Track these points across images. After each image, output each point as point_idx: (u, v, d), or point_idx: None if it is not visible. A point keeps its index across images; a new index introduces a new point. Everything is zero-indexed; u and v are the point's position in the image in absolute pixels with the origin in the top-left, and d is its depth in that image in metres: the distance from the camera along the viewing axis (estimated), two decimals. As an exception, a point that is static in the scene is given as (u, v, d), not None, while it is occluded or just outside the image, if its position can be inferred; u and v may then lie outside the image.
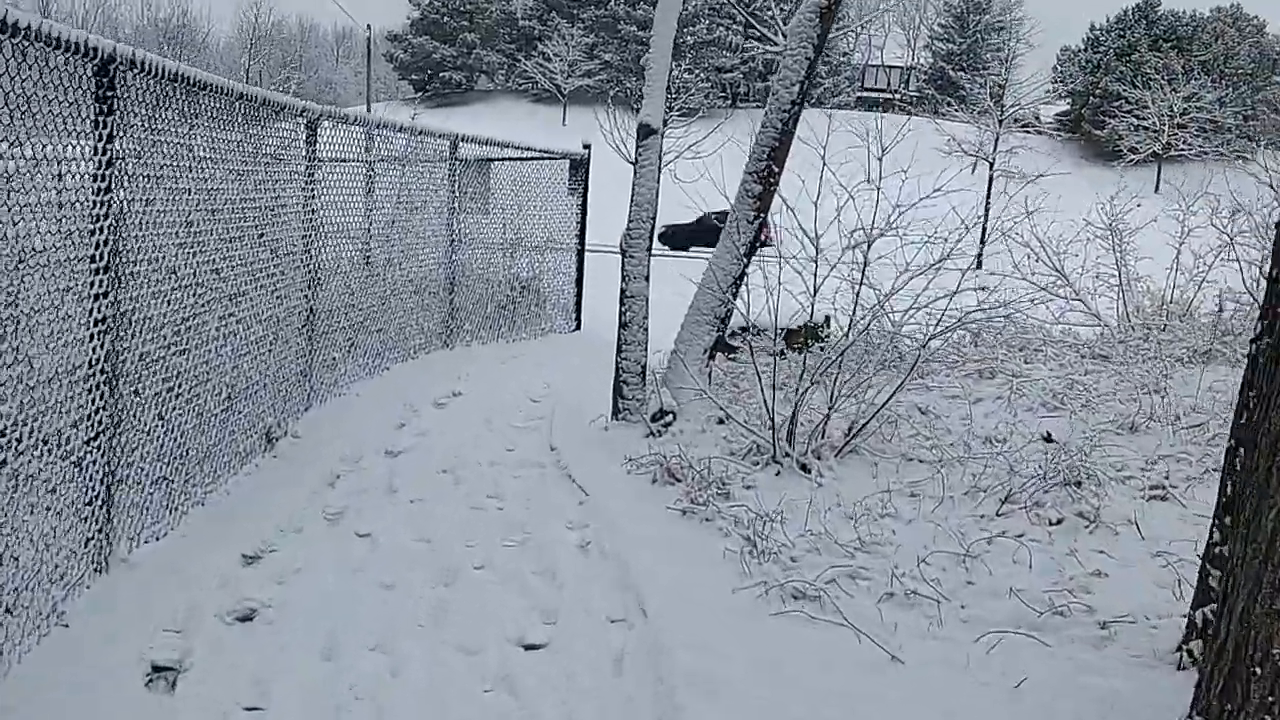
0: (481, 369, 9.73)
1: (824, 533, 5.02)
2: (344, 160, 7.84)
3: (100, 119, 4.02)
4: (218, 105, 5.30)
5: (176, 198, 4.77)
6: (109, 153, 4.06)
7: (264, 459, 6.22)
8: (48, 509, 3.90)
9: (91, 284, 4.02)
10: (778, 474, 6.05)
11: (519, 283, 11.72)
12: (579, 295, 12.94)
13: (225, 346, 5.46)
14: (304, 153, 6.86)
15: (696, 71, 40.43)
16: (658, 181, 7.40)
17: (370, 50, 54.61)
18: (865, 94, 68.83)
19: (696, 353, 7.37)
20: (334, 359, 7.67)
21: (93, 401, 4.04)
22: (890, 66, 79.19)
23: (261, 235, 5.98)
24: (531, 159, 11.90)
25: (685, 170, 27.22)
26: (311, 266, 7.07)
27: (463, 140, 10.14)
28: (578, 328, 12.93)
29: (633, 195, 7.41)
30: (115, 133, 4.09)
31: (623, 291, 7.39)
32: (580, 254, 12.92)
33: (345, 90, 71.54)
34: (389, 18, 73.72)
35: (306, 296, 7.03)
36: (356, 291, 8.12)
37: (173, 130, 4.69)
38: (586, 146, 12.95)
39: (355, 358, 8.13)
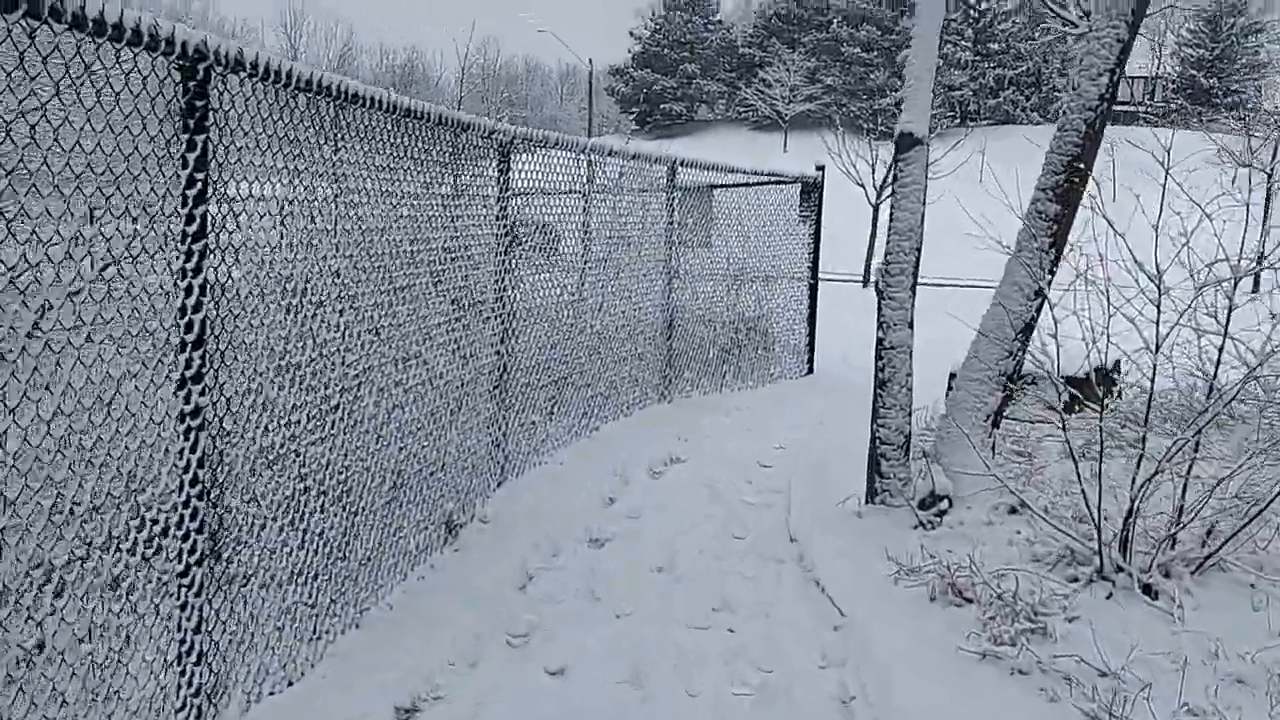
0: (704, 426, 8.44)
1: (1217, 716, 3.38)
2: (548, 191, 6.77)
3: (190, 137, 2.96)
4: (380, 126, 4.24)
5: (313, 241, 3.71)
6: (197, 184, 3.00)
7: (443, 554, 5.12)
8: (120, 664, 2.85)
9: (178, 363, 2.97)
10: (1109, 596, 4.40)
11: (744, 322, 10.39)
12: (811, 334, 11.49)
13: (389, 425, 4.38)
14: (495, 182, 5.78)
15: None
16: (923, 203, 5.90)
17: (592, 85, 55.10)
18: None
19: (976, 419, 5.78)
20: (533, 423, 6.56)
21: (182, 522, 2.97)
22: (1133, 77, 73.46)
23: (438, 283, 4.90)
24: (759, 184, 10.58)
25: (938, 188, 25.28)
26: (505, 315, 5.98)
27: (682, 165, 8.93)
28: (810, 370, 11.47)
29: (891, 221, 5.94)
30: (209, 156, 3.03)
31: (880, 343, 5.91)
32: (813, 288, 11.47)
33: (569, 126, 72.80)
34: (612, 53, 74.71)
35: (499, 352, 5.95)
36: (561, 342, 7.00)
37: (305, 155, 3.63)
38: (820, 168, 11.52)
39: (559, 419, 7.00)
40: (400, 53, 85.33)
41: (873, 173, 23.23)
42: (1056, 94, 68.19)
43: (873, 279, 5.99)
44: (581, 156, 7.14)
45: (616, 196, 8.00)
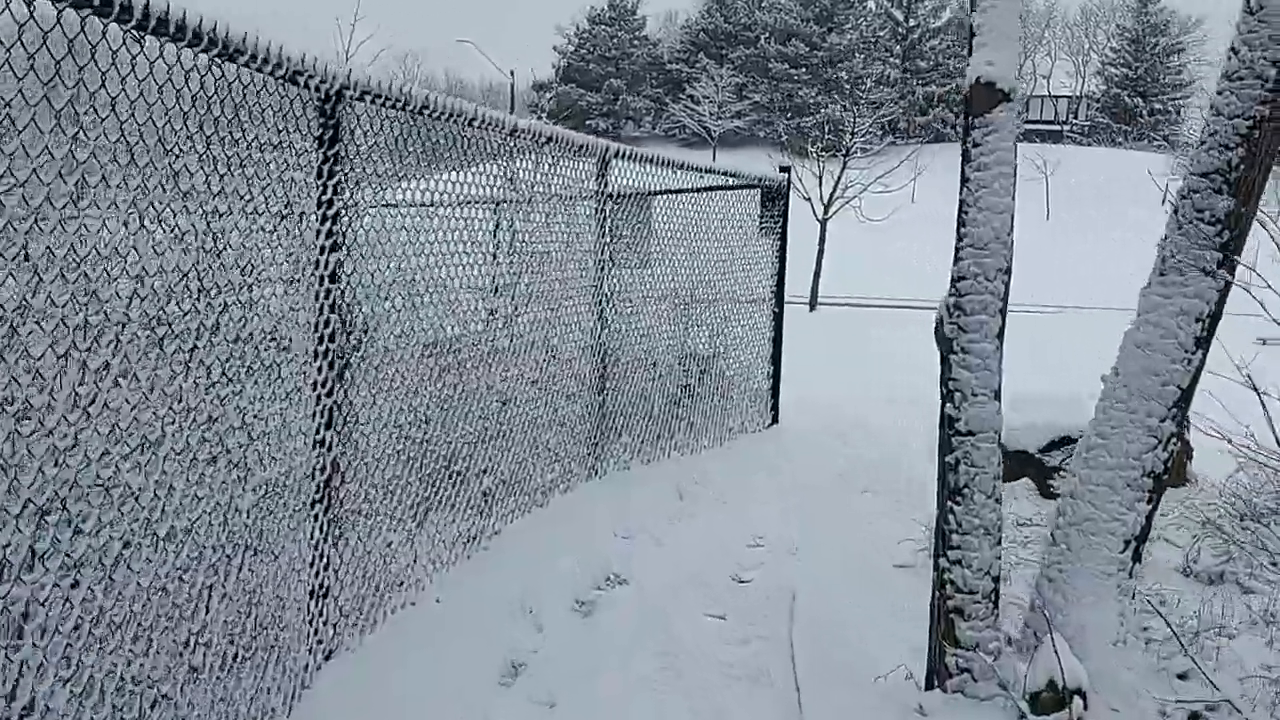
0: (650, 515, 6.08)
1: None
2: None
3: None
4: None
5: None
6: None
7: None
8: None
9: None
10: None
11: (696, 363, 8.08)
12: (776, 375, 9.24)
13: None
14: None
15: (859, 107, 36.50)
16: (1013, 195, 3.64)
17: (514, 99, 52.67)
18: (1031, 125, 63.74)
19: (1108, 551, 3.53)
20: (388, 545, 4.14)
21: None
22: (1057, 96, 73.31)
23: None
24: (711, 189, 8.30)
25: (875, 205, 23.30)
26: (335, 379, 3.58)
27: (618, 157, 6.59)
28: (774, 420, 9.21)
29: (961, 229, 3.65)
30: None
31: (949, 423, 3.60)
32: (778, 317, 9.24)
33: (491, 143, 70.19)
34: (536, 68, 72.33)
35: (322, 442, 3.54)
36: (440, 413, 4.60)
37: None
38: (785, 169, 9.31)
39: (434, 530, 4.59)
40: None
41: (819, 185, 21.23)
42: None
43: (934, 318, 3.70)
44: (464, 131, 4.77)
45: (525, 200, 5.66)
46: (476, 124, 4.63)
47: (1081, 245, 40.24)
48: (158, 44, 2.55)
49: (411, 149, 4.16)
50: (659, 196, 7.61)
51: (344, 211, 3.52)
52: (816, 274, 21.79)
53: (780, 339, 9.28)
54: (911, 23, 68.01)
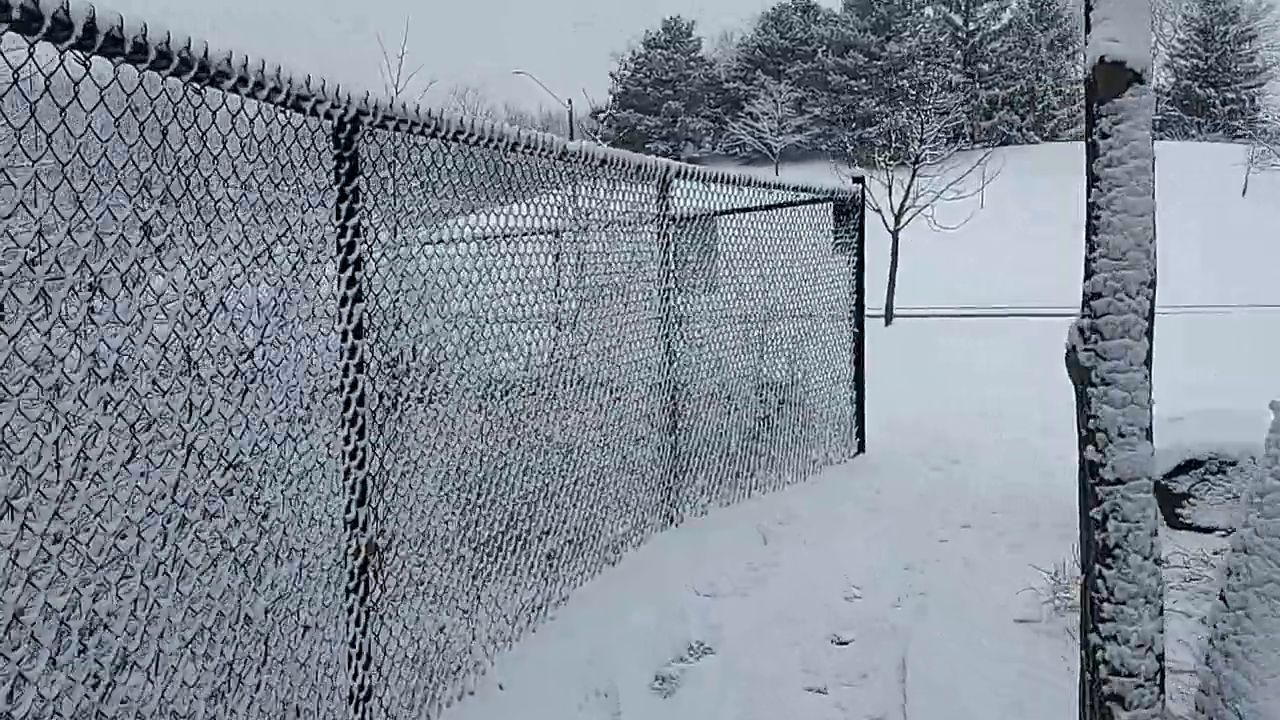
0: (732, 566, 5.54)
1: None
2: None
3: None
4: None
5: None
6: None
7: None
8: None
9: None
10: None
11: (773, 392, 7.54)
12: (859, 399, 8.64)
13: None
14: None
15: (925, 114, 35.61)
16: (1153, 193, 3.05)
17: (573, 127, 52.63)
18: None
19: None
20: (440, 630, 3.66)
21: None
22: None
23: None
24: (780, 205, 7.76)
25: (945, 213, 22.48)
26: (373, 437, 3.12)
27: (679, 177, 6.09)
28: (860, 449, 8.60)
29: (1092, 236, 3.06)
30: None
31: (1091, 470, 3.00)
32: (858, 338, 8.65)
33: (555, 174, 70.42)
34: (594, 95, 72.30)
35: (354, 523, 3.07)
36: (496, 470, 4.12)
37: None
38: (858, 179, 8.74)
39: (490, 605, 4.10)
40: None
41: (889, 195, 20.51)
42: (1053, 110, 66.03)
43: (1065, 345, 3.11)
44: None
45: (581, 229, 5.20)
46: (521, 148, 4.17)
47: (1162, 245, 38.72)
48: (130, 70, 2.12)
49: (448, 180, 3.71)
50: (724, 217, 7.10)
51: (367, 256, 3.06)
52: (891, 287, 21.06)
53: (862, 360, 8.69)
54: (971, 26, 66.81)
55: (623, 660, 4.26)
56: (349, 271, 2.99)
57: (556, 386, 4.77)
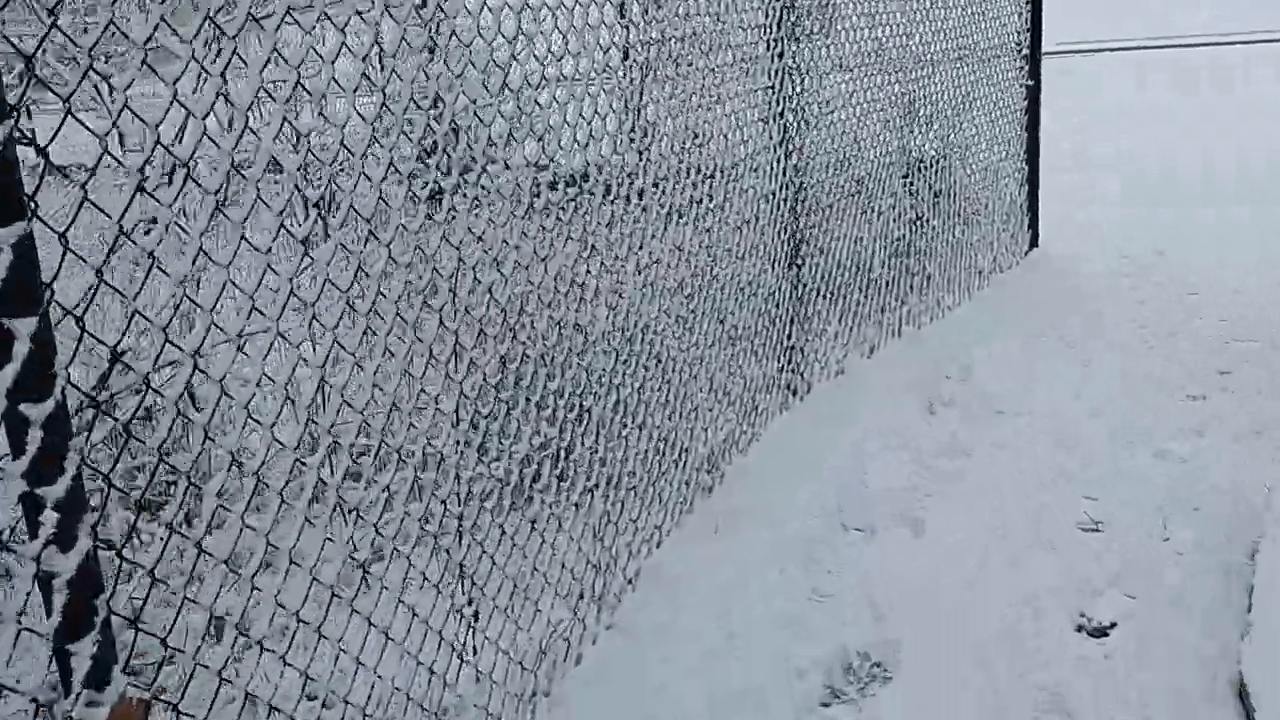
0: (888, 466, 3.71)
1: None
2: None
3: None
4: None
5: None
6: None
7: None
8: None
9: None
10: None
11: (923, 180, 5.37)
12: (1033, 177, 6.46)
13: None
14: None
15: None
16: None
17: None
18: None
19: None
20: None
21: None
22: None
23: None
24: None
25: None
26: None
27: None
28: (1034, 244, 6.51)
29: None
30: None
31: None
32: (1034, 93, 6.38)
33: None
34: None
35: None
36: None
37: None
38: None
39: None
40: None
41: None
42: None
43: None
44: None
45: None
46: None
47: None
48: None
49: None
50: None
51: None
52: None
53: (1037, 121, 6.44)
54: None
55: (746, 671, 2.55)
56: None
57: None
